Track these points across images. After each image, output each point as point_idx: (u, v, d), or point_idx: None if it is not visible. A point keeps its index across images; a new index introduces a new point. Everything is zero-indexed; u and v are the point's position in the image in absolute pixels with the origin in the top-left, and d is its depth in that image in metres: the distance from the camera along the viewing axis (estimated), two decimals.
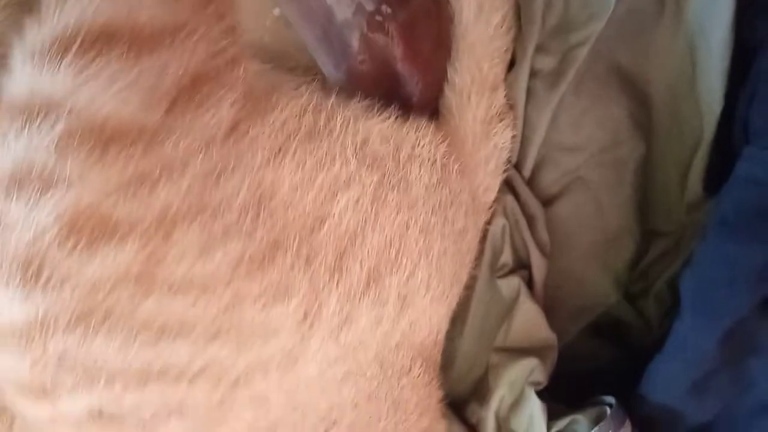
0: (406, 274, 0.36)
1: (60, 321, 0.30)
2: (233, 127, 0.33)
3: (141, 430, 0.32)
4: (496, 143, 0.41)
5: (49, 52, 0.30)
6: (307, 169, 0.35)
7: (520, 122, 0.43)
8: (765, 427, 0.38)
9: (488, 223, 0.43)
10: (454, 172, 0.40)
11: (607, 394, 0.41)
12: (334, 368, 0.35)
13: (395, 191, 0.37)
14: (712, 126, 0.40)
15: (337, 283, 0.34)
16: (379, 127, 0.38)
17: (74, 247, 0.29)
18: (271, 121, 0.35)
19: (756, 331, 0.38)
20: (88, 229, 0.30)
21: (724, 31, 0.38)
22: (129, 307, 0.30)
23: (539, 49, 0.41)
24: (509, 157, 0.43)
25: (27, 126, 0.30)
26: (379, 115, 0.38)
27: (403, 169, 0.38)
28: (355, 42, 0.39)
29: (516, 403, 0.40)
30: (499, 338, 0.42)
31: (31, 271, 0.29)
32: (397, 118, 0.39)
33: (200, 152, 0.32)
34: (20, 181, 0.29)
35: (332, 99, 0.37)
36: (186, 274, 0.31)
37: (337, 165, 0.36)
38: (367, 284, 0.35)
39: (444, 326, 0.40)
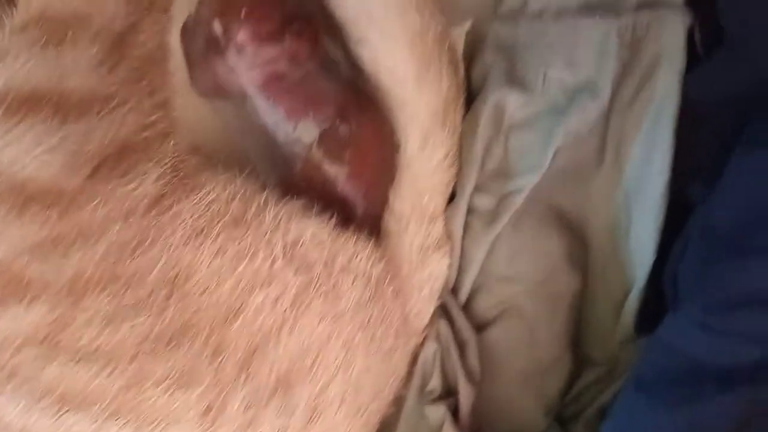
0: (319, 386, 0.36)
1: None
2: (156, 201, 0.34)
3: None
4: (431, 271, 0.42)
5: None
6: (227, 257, 0.34)
7: (457, 253, 0.44)
8: None
9: (420, 346, 0.44)
10: (389, 292, 0.40)
11: None
12: None
13: (321, 299, 0.36)
14: (643, 276, 0.41)
15: (244, 382, 0.34)
16: (315, 231, 0.37)
17: None
18: (195, 200, 0.35)
19: None
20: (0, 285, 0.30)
21: (658, 192, 0.40)
22: (34, 369, 0.30)
23: (478, 188, 0.42)
24: (446, 282, 0.45)
25: None
26: (318, 219, 0.38)
27: (334, 278, 0.37)
28: (299, 161, 0.40)
29: None
30: None
31: None
32: (336, 226, 0.38)
33: (119, 222, 0.32)
34: None
35: (267, 192, 0.37)
36: (91, 342, 0.31)
37: (260, 259, 0.35)
38: (275, 389, 0.34)
39: None
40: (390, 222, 0.42)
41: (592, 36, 0.36)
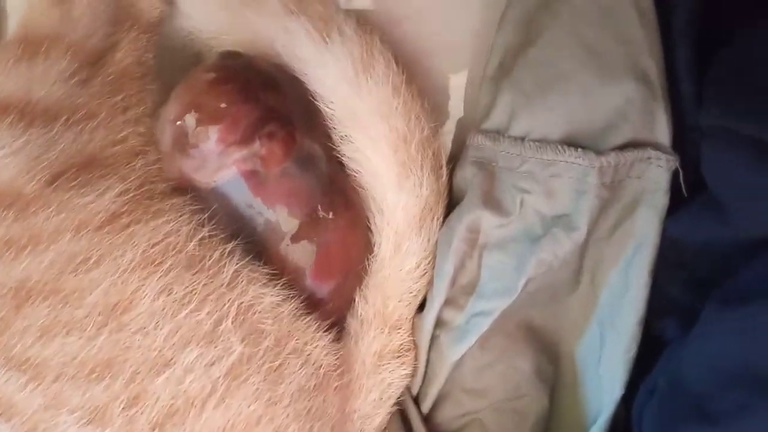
0: None
1: None
2: (112, 219, 0.33)
3: None
4: (385, 378, 0.40)
5: None
6: (171, 300, 0.33)
7: (422, 363, 0.42)
8: None
9: None
10: (333, 387, 0.38)
11: None
12: None
13: (261, 377, 0.34)
14: (611, 407, 0.40)
15: None
16: (275, 303, 0.36)
17: None
18: (153, 227, 0.34)
19: None
20: None
21: (632, 324, 0.38)
22: None
23: (448, 302, 0.40)
24: (410, 389, 0.43)
25: None
26: (281, 292, 0.36)
27: (282, 358, 0.35)
28: (270, 245, 0.38)
29: None
30: None
31: None
32: (298, 308, 0.37)
33: (69, 233, 0.33)
34: None
35: (234, 245, 0.35)
36: (24, 352, 0.32)
37: (205, 313, 0.34)
38: None
39: None
40: (351, 324, 0.41)
41: (571, 171, 0.35)
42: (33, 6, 0.36)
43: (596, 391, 0.41)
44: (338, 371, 0.39)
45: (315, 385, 0.37)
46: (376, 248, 0.41)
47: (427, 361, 0.42)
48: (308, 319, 0.37)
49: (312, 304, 0.39)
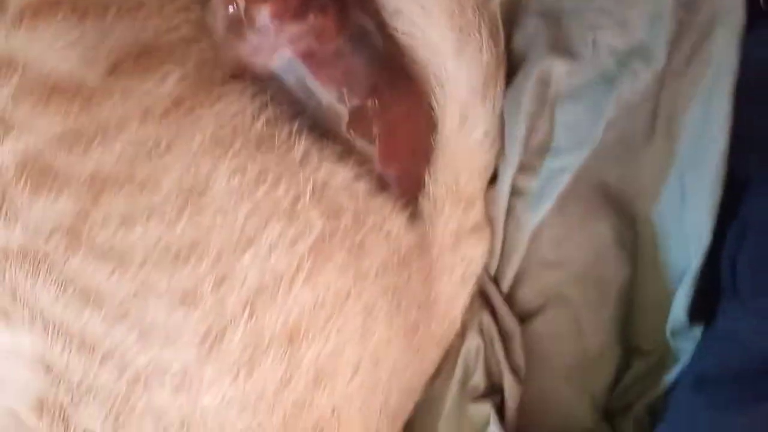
0: (330, 347, 0.34)
1: (12, 255, 0.32)
2: (176, 104, 0.34)
3: (70, 396, 0.32)
4: (465, 255, 0.40)
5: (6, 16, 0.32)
6: (246, 179, 0.33)
7: (499, 238, 0.41)
8: None
9: (457, 338, 0.41)
10: (415, 267, 0.38)
11: None
12: (230, 411, 0.33)
13: (345, 252, 0.34)
14: (699, 258, 0.39)
15: (247, 320, 0.32)
16: (349, 180, 0.35)
17: (24, 188, 0.32)
18: (218, 110, 0.34)
19: None
20: (34, 174, 0.32)
21: (716, 166, 0.37)
22: (61, 257, 0.32)
23: (522, 168, 0.39)
24: (486, 267, 0.42)
25: None
26: (354, 168, 0.36)
27: (362, 234, 0.35)
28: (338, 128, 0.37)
29: None
30: None
31: None
32: (371, 185, 0.36)
33: (136, 120, 0.33)
34: None
35: (300, 123, 0.35)
36: (107, 241, 0.32)
37: (282, 189, 0.34)
38: (279, 337, 0.33)
39: (385, 428, 0.37)
40: (424, 205, 0.40)
41: None
42: None
43: (681, 246, 0.40)
44: (418, 251, 0.38)
45: (398, 261, 0.36)
46: (440, 125, 0.40)
47: (504, 236, 0.41)
48: (383, 197, 0.37)
49: (381, 189, 0.38)
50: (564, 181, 0.38)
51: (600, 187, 0.41)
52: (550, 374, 0.43)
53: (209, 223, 0.33)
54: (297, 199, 0.34)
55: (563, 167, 0.38)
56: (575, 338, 0.43)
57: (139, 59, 0.33)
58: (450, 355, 0.41)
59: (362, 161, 0.37)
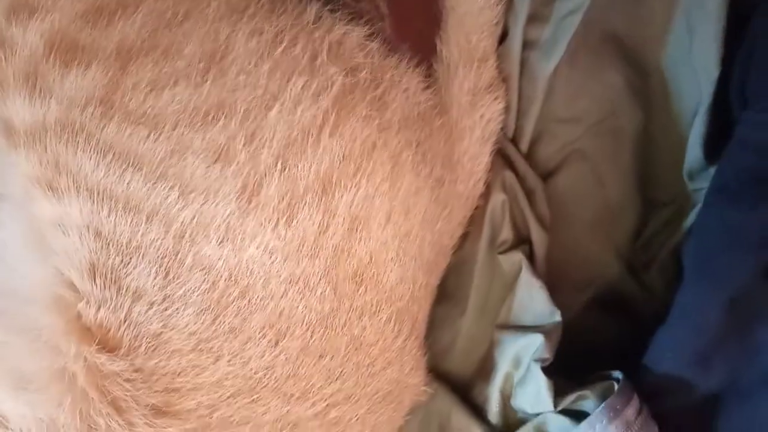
0: (362, 195, 0.35)
1: (51, 128, 0.33)
2: None
3: (120, 257, 0.33)
4: (483, 114, 0.41)
5: None
6: (264, 39, 0.35)
7: (514, 95, 0.42)
8: None
9: (483, 197, 0.42)
10: (437, 123, 0.39)
11: (614, 368, 0.41)
12: (274, 260, 0.34)
13: (367, 104, 0.36)
14: (710, 90, 0.40)
15: (280, 171, 0.34)
16: (362, 39, 0.37)
17: (54, 64, 0.33)
18: None
19: (762, 298, 0.37)
20: (62, 50, 0.33)
21: None
22: (97, 126, 0.33)
23: (532, 18, 0.40)
24: (504, 129, 0.43)
25: None
26: (366, 29, 0.37)
27: (382, 88, 0.36)
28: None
29: (522, 380, 0.39)
30: (502, 315, 0.41)
31: (31, 82, 0.33)
32: (384, 46, 0.38)
33: None
34: (15, 9, 0.34)
35: None
36: (139, 106, 0.33)
37: (299, 48, 0.35)
38: (313, 187, 0.34)
39: (420, 279, 0.38)
40: (438, 69, 0.41)
41: None
42: None
43: (692, 81, 0.40)
44: (436, 110, 0.39)
45: (418, 116, 0.37)
46: None
47: (519, 92, 0.42)
48: (397, 55, 0.38)
49: (394, 49, 0.39)
50: (574, 24, 0.39)
51: (609, 37, 0.42)
52: (575, 227, 0.44)
53: (233, 83, 0.34)
54: (315, 56, 0.35)
55: (572, 9, 0.39)
56: (596, 190, 0.44)
57: None
58: (476, 215, 0.43)
59: (373, 22, 0.38)
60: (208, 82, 0.34)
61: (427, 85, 0.39)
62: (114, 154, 0.33)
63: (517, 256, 0.41)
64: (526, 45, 0.40)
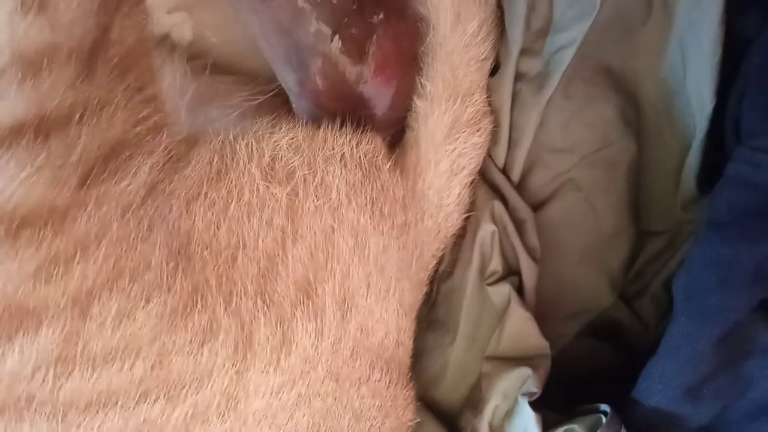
0: (339, 277, 0.36)
1: None
2: (151, 190, 0.34)
3: None
4: (456, 147, 0.41)
5: None
6: (217, 208, 0.35)
7: (505, 127, 0.42)
8: (764, 429, 0.38)
9: (471, 227, 0.42)
10: (386, 169, 0.39)
11: (604, 399, 0.40)
12: (281, 396, 0.34)
13: (312, 198, 0.36)
14: (704, 124, 0.39)
15: (264, 309, 0.34)
16: (289, 139, 0.37)
17: None
18: (186, 174, 0.35)
19: (753, 334, 0.37)
20: (5, 322, 0.30)
21: (714, 26, 0.37)
22: (51, 391, 0.31)
23: (524, 52, 0.40)
24: (495, 161, 0.43)
25: None
26: (288, 126, 0.38)
27: (320, 173, 0.37)
28: (318, 61, 0.39)
29: (510, 413, 0.39)
30: (491, 346, 0.41)
31: None
32: (307, 124, 0.38)
33: (116, 221, 0.33)
34: None
35: (235, 131, 0.37)
36: (107, 344, 0.32)
37: (246, 194, 0.36)
38: (297, 299, 0.35)
39: (403, 325, 0.39)
40: (420, 105, 0.41)
41: None
42: (14, 26, 0.32)
43: (686, 114, 0.40)
44: (381, 154, 0.39)
45: (362, 177, 0.38)
46: (434, 26, 0.40)
47: (511, 124, 0.42)
48: (322, 129, 0.38)
49: (367, 116, 0.39)
50: (567, 58, 0.39)
51: (602, 69, 0.42)
52: (567, 257, 0.44)
53: (200, 263, 0.34)
54: (258, 190, 0.36)
55: (565, 44, 0.38)
56: (589, 220, 0.44)
57: (109, 161, 0.33)
58: (466, 246, 0.43)
59: (343, 108, 0.39)
60: (179, 277, 0.33)
61: (358, 140, 0.39)
62: (76, 408, 0.31)
63: (506, 288, 0.41)
64: (519, 77, 0.40)
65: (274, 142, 0.37)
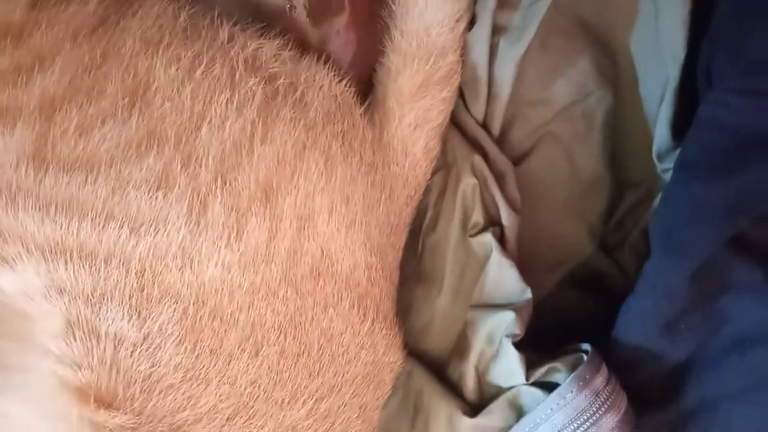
0: (303, 194, 0.36)
1: None
2: (101, 21, 0.36)
3: (90, 308, 0.33)
4: (422, 105, 0.42)
5: None
6: (183, 65, 0.36)
7: (483, 81, 0.43)
8: (739, 363, 0.39)
9: (453, 180, 0.43)
10: (356, 111, 0.40)
11: (585, 342, 0.42)
12: (234, 274, 0.35)
13: (289, 108, 0.37)
14: (677, 73, 0.41)
15: (221, 187, 0.35)
16: (274, 49, 0.38)
17: None
18: (140, 16, 0.37)
19: (727, 269, 0.38)
20: None
21: None
22: (34, 182, 0.33)
23: (501, 4, 0.41)
24: (475, 115, 0.44)
25: None
26: (276, 40, 0.39)
27: (300, 90, 0.38)
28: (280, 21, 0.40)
29: (495, 356, 0.40)
30: (475, 295, 0.42)
31: None
32: (297, 52, 0.39)
33: (68, 42, 0.35)
34: None
35: (218, 12, 0.38)
36: (71, 152, 0.34)
37: (218, 66, 0.36)
38: (256, 196, 0.35)
39: (373, 262, 0.39)
40: (393, 59, 0.42)
41: None
42: None
43: (660, 64, 0.41)
44: (355, 97, 0.40)
45: (338, 107, 0.39)
46: None
47: (489, 78, 0.43)
48: (307, 58, 0.39)
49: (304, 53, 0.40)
50: (542, 9, 0.40)
51: (578, 21, 0.43)
52: (548, 207, 0.45)
53: (160, 112, 0.35)
54: (233, 72, 0.37)
55: None
56: (568, 171, 0.45)
57: None
58: (448, 200, 0.44)
59: (282, 34, 0.40)
60: (135, 115, 0.35)
61: (340, 79, 0.40)
62: (56, 206, 0.33)
63: (487, 238, 0.42)
64: (496, 30, 0.41)
65: (260, 44, 0.38)
